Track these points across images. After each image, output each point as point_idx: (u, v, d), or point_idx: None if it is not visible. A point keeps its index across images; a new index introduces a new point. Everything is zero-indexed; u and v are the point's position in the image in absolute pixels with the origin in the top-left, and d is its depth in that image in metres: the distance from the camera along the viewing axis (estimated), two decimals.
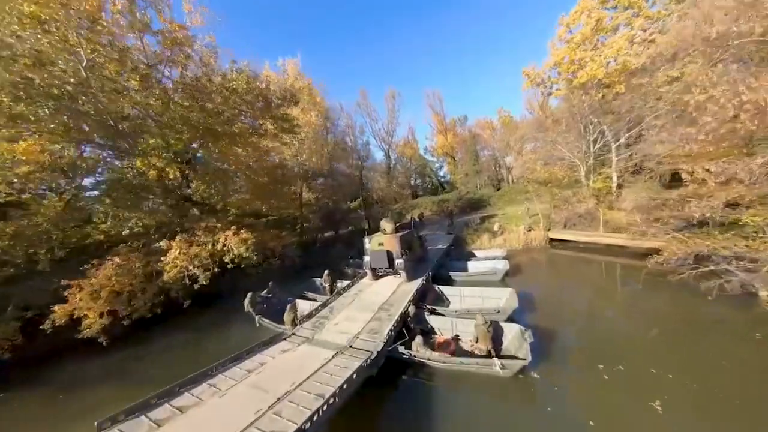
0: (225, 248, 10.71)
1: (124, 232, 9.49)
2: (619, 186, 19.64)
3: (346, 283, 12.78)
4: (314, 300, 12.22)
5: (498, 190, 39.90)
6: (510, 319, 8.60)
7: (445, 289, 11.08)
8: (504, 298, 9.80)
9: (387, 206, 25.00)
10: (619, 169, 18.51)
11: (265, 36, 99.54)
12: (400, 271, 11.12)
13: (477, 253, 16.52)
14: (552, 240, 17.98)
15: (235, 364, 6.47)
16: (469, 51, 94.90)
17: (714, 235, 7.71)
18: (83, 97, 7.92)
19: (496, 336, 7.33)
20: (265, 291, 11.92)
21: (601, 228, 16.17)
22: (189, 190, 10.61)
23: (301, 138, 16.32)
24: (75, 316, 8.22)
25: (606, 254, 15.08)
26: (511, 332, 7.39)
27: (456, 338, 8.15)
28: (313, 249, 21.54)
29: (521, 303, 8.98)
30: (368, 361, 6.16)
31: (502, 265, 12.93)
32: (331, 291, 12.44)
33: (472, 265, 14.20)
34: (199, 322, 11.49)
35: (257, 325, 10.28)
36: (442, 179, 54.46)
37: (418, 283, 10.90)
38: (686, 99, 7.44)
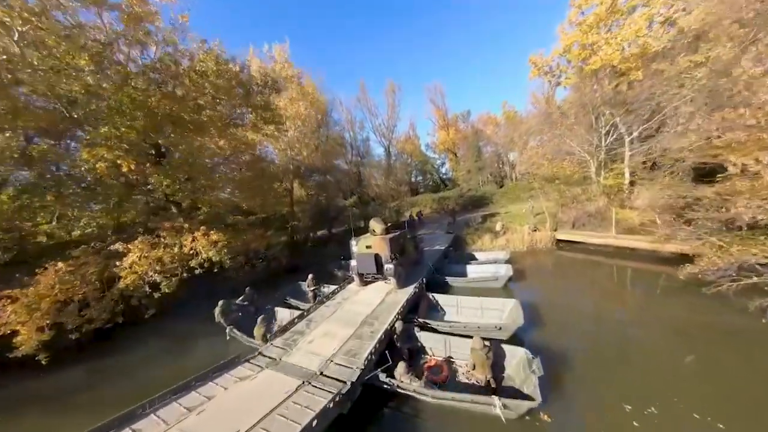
0: (192, 251, 9.54)
1: (74, 233, 8.39)
2: (632, 183, 18.27)
3: (333, 288, 11.66)
4: (297, 308, 11.06)
5: (501, 187, 38.52)
6: (514, 337, 7.39)
7: (441, 298, 9.86)
8: (506, 311, 8.55)
9: (384, 204, 23.75)
10: (632, 165, 17.09)
11: (265, 36, 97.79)
12: (389, 278, 9.90)
13: (477, 255, 15.25)
14: (559, 241, 16.66)
15: (176, 398, 5.30)
16: (472, 48, 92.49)
17: (762, 240, 6.38)
18: (8, 75, 6.73)
19: (496, 361, 6.12)
20: (240, 298, 10.78)
21: (614, 229, 14.82)
22: (149, 186, 9.42)
23: (285, 129, 15.00)
24: (1, 333, 7.09)
25: (618, 257, 13.77)
26: (515, 357, 6.15)
27: (449, 360, 6.95)
28: (304, 249, 20.38)
29: (526, 315, 7.73)
30: (338, 397, 4.96)
31: (505, 270, 11.66)
32: (315, 298, 11.29)
33: (472, 270, 12.95)
34: (166, 333, 10.36)
35: (227, 337, 9.17)
36: (444, 176, 53.09)
37: (409, 290, 9.69)
38: (736, 74, 6.09)
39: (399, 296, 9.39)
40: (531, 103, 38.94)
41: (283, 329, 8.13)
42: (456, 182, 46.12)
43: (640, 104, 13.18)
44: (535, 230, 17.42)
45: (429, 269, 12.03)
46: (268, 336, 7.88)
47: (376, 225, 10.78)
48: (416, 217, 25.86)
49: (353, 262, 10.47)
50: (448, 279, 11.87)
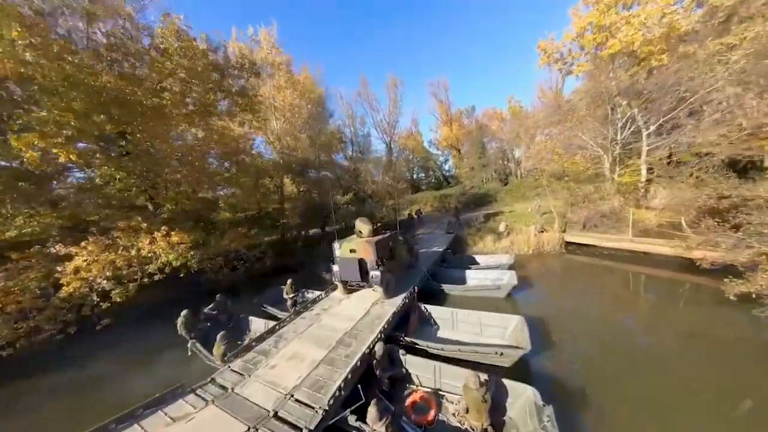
0: (151, 254, 8.39)
1: (8, 233, 7.28)
2: (648, 181, 16.80)
3: (317, 293, 10.49)
4: (275, 317, 9.94)
5: (505, 185, 37.00)
6: (518, 363, 6.13)
7: (434, 311, 8.62)
8: (510, 329, 7.29)
9: (381, 201, 22.50)
10: (650, 161, 15.59)
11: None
12: (375, 287, 8.67)
13: (479, 258, 13.94)
14: (568, 243, 15.28)
15: None
16: (475, 46, 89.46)
17: None
18: None
19: (497, 401, 4.87)
20: (210, 306, 9.62)
21: (631, 231, 13.39)
22: (97, 180, 8.23)
23: (265, 118, 13.65)
24: None
25: (633, 263, 12.41)
26: (520, 398, 4.90)
27: (438, 393, 5.72)
28: (295, 248, 19.23)
29: (533, 335, 6.47)
30: None
31: (508, 278, 10.36)
32: (294, 306, 10.12)
33: (472, 276, 11.65)
34: (128, 345, 9.17)
35: (189, 353, 8.05)
36: (447, 173, 51.64)
37: (398, 301, 8.46)
38: None
39: (385, 309, 8.17)
40: (538, 97, 37.33)
41: (246, 348, 6.95)
42: (459, 179, 44.72)
43: (666, 91, 11.62)
44: (542, 231, 16.06)
45: (423, 275, 10.78)
46: (227, 356, 6.71)
47: (362, 225, 9.55)
48: (415, 216, 24.61)
49: (335, 268, 9.27)
50: (445, 287, 10.61)
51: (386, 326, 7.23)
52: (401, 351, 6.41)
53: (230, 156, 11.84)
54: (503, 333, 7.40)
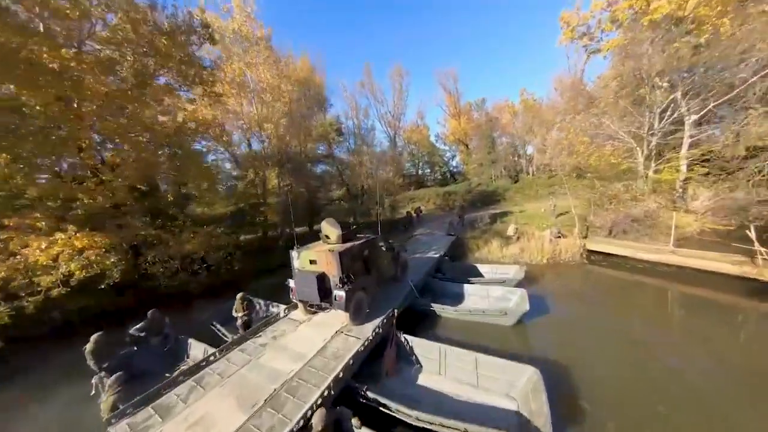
0: (48, 262, 6.48)
1: None
2: (687, 179, 14.20)
3: (281, 308, 8.45)
4: (225, 338, 8.05)
5: (516, 182, 34.37)
6: None
7: (417, 345, 6.50)
8: (519, 385, 5.11)
9: (375, 198, 20.40)
10: (694, 153, 12.97)
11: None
12: (340, 310, 6.59)
13: (482, 268, 11.62)
14: (591, 252, 12.87)
15: None
16: (487, 36, 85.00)
17: None
18: None
19: None
20: (138, 325, 7.66)
21: (672, 241, 10.90)
22: None
23: (221, 93, 11.40)
24: None
25: (671, 278, 10.12)
26: None
27: None
28: (276, 249, 17.34)
29: (554, 399, 4.35)
30: None
31: (518, 299, 8.08)
32: (246, 327, 8.10)
33: (472, 293, 9.37)
34: (14, 379, 7.29)
35: (92, 391, 6.12)
36: (454, 170, 49.01)
37: (368, 331, 6.36)
38: None
39: (349, 342, 6.09)
40: (555, 88, 34.34)
41: (145, 399, 4.96)
42: (466, 176, 42.18)
43: (740, 58, 8.89)
44: (559, 236, 13.67)
45: (409, 292, 8.63)
46: (116, 412, 4.75)
47: (329, 229, 7.45)
48: (414, 214, 22.43)
49: (292, 283, 7.23)
50: (435, 307, 8.41)
51: (342, 373, 5.14)
52: (355, 421, 4.30)
53: (165, 139, 9.61)
54: (509, 388, 5.22)
